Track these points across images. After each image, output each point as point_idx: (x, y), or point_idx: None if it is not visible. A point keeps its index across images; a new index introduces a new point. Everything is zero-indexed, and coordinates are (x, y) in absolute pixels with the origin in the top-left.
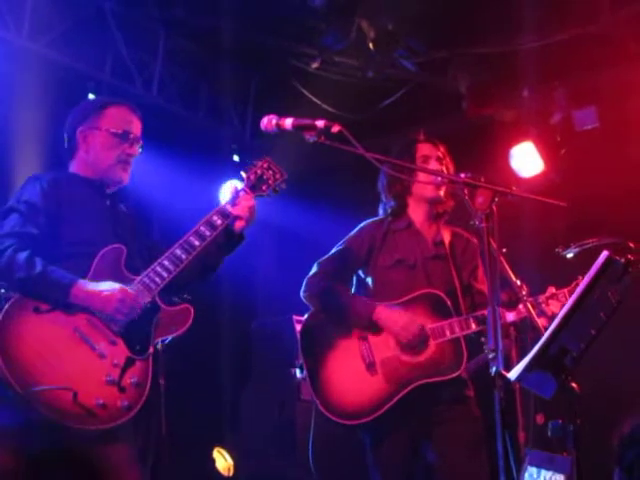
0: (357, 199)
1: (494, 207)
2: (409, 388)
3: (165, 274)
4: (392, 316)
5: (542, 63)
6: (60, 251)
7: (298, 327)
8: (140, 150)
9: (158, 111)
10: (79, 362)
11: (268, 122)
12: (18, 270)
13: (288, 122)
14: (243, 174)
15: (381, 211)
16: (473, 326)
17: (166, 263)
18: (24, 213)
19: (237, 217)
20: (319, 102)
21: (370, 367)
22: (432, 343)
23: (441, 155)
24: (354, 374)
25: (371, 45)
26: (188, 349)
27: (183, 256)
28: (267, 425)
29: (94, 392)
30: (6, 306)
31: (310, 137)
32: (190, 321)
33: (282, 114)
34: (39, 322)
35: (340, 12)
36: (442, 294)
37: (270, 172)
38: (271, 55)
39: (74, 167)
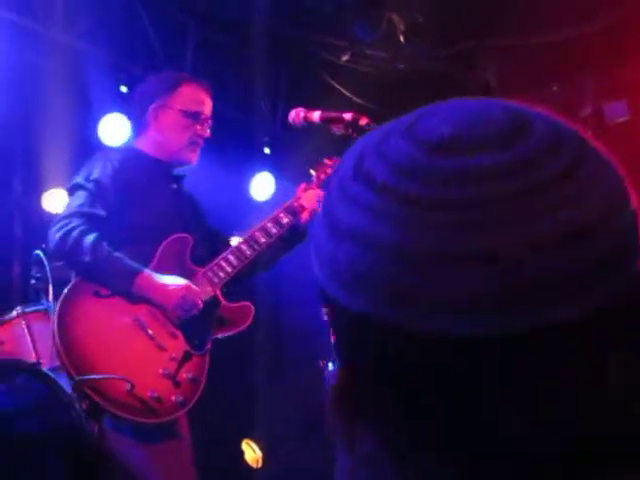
0: None
1: None
2: None
3: (229, 269)
4: None
5: (572, 55)
6: (125, 235)
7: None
8: (209, 131)
9: None
10: (137, 352)
11: (296, 115)
12: (84, 253)
13: (316, 115)
14: (312, 172)
15: None
16: None
17: (231, 258)
18: (93, 192)
19: (303, 209)
20: (349, 94)
21: None
22: None
23: None
24: None
25: (401, 37)
26: (219, 340)
27: (248, 252)
28: (296, 418)
29: (149, 384)
30: (67, 288)
31: (338, 130)
32: (250, 319)
33: (312, 106)
34: (99, 306)
35: (370, 4)
36: None
37: None
38: (301, 48)
39: (142, 144)
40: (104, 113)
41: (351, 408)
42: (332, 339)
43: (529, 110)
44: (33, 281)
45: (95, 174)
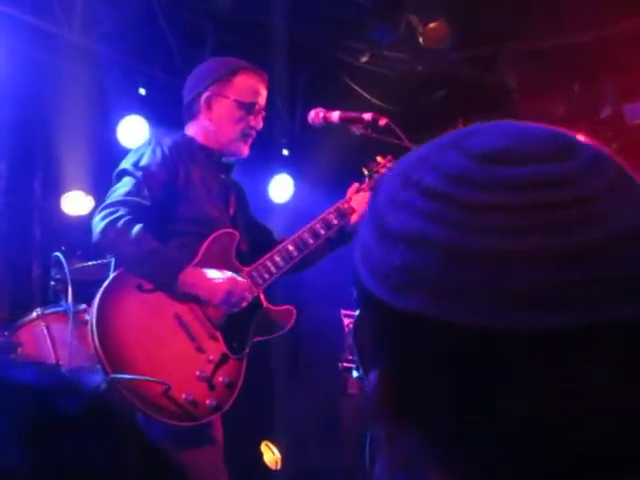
0: None
1: None
2: None
3: (274, 270)
4: None
5: (593, 57)
6: (171, 227)
7: (346, 321)
8: (262, 122)
9: None
10: (176, 352)
11: (315, 115)
12: (128, 245)
13: (335, 115)
14: (365, 171)
15: None
16: None
17: (277, 259)
18: (140, 181)
19: (353, 211)
20: (368, 96)
21: None
22: None
23: None
24: None
25: (420, 39)
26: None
27: (295, 253)
28: (314, 419)
29: (185, 387)
30: (109, 279)
31: (357, 130)
32: (292, 323)
33: (331, 108)
34: (140, 301)
35: (389, 6)
36: None
37: None
38: (320, 50)
39: (192, 131)
40: (123, 115)
41: (395, 409)
42: (360, 346)
43: (570, 134)
44: (52, 283)
45: (144, 161)
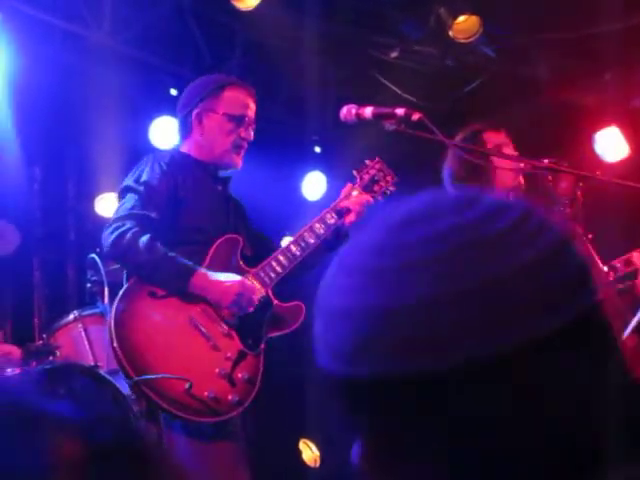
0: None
1: (578, 192)
2: None
3: (280, 269)
4: None
5: (625, 46)
6: (176, 237)
7: None
8: (253, 134)
9: None
10: (193, 352)
11: (347, 111)
12: (138, 254)
13: (368, 111)
14: (355, 174)
15: None
16: None
17: (281, 258)
18: (143, 195)
19: (349, 211)
20: (398, 91)
21: None
22: None
23: (507, 140)
24: None
25: (450, 33)
26: (274, 339)
27: (297, 252)
28: None
29: (206, 384)
30: (123, 289)
31: (390, 125)
32: (302, 319)
33: (362, 103)
34: (155, 307)
35: (418, 1)
36: None
37: (382, 174)
38: (350, 46)
39: (187, 147)
40: (154, 117)
41: (389, 464)
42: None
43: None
44: (89, 284)
45: (144, 176)
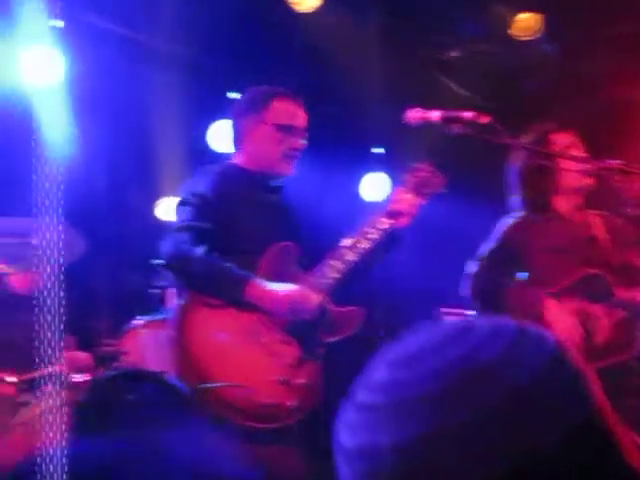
0: (489, 187)
1: None
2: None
3: (335, 275)
4: (559, 314)
5: None
6: (230, 247)
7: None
8: (305, 142)
9: None
10: (252, 360)
11: (413, 114)
12: (194, 265)
13: (435, 114)
14: (404, 177)
15: (516, 206)
16: None
17: (335, 264)
18: (197, 206)
19: (400, 214)
20: (459, 90)
21: None
22: (602, 324)
23: (576, 141)
24: None
25: (510, 31)
26: (342, 349)
27: (351, 258)
28: None
29: (266, 391)
30: (180, 300)
31: (457, 129)
32: (359, 323)
33: (420, 103)
34: (213, 317)
35: None
36: (602, 274)
37: (431, 176)
38: (410, 45)
39: (239, 159)
40: (212, 120)
41: None
42: None
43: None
44: (153, 290)
45: (198, 189)
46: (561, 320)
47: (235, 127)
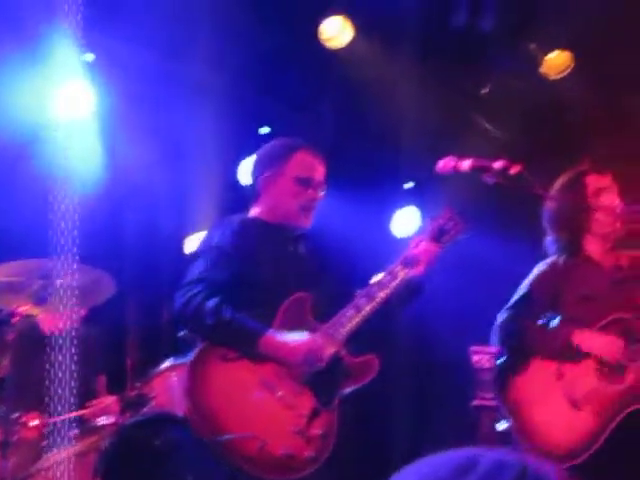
0: (524, 222)
1: None
2: (620, 417)
3: (350, 324)
4: (593, 337)
5: None
6: (246, 298)
7: (475, 358)
8: (323, 194)
9: (330, 140)
10: (266, 412)
11: (445, 164)
12: (207, 317)
13: (466, 164)
14: (425, 224)
15: (552, 248)
16: None
17: (351, 313)
18: (213, 258)
19: (417, 262)
20: (490, 127)
21: (575, 403)
22: (632, 366)
23: (610, 184)
24: (559, 413)
25: (542, 68)
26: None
27: (367, 307)
28: None
29: (281, 442)
30: (195, 352)
31: (489, 179)
32: (375, 372)
33: (453, 138)
34: (226, 370)
35: (510, 35)
36: (630, 317)
37: (452, 223)
38: (443, 80)
39: (258, 211)
40: (244, 155)
41: None
42: None
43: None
44: (182, 332)
45: (214, 241)
46: (598, 341)
47: (255, 179)
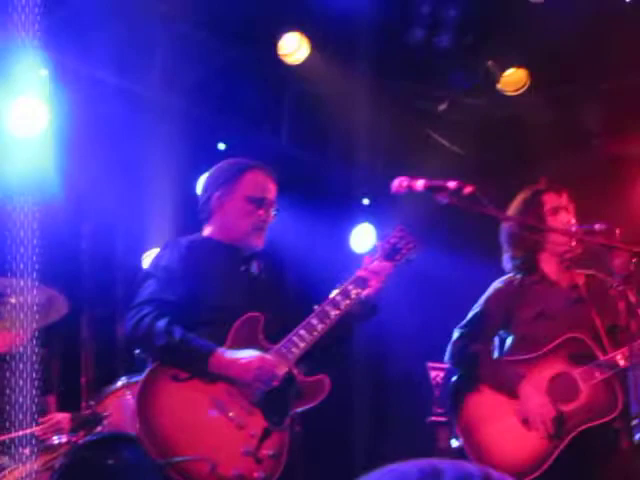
0: (483, 240)
1: (631, 268)
2: (570, 436)
3: (302, 344)
4: (533, 395)
5: None
6: (197, 318)
7: (433, 374)
8: (275, 214)
9: (286, 156)
10: (217, 432)
11: (399, 184)
12: (157, 338)
13: (419, 183)
14: (377, 243)
15: (508, 265)
16: (621, 362)
17: (302, 332)
18: (162, 279)
19: (369, 281)
20: (447, 143)
21: (525, 422)
22: (583, 387)
23: (566, 203)
24: (510, 432)
25: (499, 85)
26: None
27: (319, 326)
28: None
29: (231, 463)
30: (145, 374)
31: (442, 198)
32: (326, 392)
33: (409, 155)
34: (178, 390)
35: (467, 52)
36: (585, 337)
37: (404, 242)
38: (399, 97)
39: (209, 231)
40: (200, 172)
41: None
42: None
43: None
44: (138, 350)
45: (163, 262)
46: (533, 399)
47: (206, 198)
